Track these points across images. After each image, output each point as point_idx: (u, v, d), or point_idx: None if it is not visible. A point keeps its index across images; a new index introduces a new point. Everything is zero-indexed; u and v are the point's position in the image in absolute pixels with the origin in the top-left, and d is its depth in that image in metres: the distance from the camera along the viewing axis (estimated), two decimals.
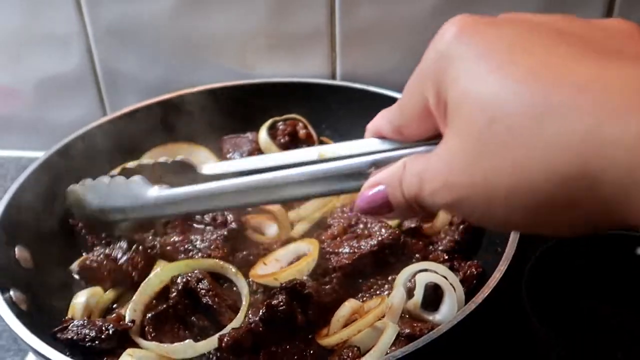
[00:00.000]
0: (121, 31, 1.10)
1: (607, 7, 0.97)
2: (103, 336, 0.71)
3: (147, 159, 0.77)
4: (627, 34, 0.41)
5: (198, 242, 0.85)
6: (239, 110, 1.05)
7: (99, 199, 0.79)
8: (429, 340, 0.60)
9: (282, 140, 1.03)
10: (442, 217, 0.90)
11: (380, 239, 0.83)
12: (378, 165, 0.53)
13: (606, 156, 0.34)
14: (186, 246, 0.86)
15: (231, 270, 0.80)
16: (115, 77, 1.15)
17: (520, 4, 0.99)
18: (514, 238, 0.73)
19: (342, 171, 0.56)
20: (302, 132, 1.04)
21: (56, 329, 0.73)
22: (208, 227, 0.88)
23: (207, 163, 0.70)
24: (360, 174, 0.54)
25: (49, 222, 0.89)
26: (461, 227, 0.86)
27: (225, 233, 0.86)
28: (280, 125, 1.05)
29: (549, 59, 0.38)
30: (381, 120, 0.54)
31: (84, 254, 0.88)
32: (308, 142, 1.05)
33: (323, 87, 1.05)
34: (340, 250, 0.84)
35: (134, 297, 0.77)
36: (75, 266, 0.84)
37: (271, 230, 0.90)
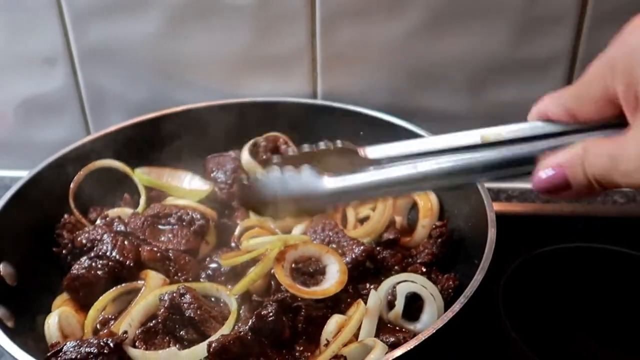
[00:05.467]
0: (106, 52, 1.11)
1: (575, 33, 1.02)
2: (106, 350, 0.71)
3: (307, 147, 0.74)
4: None
5: (170, 240, 0.91)
6: (223, 128, 1.07)
7: (272, 190, 0.74)
8: (410, 348, 0.62)
9: (264, 157, 1.03)
10: (421, 231, 0.92)
11: (353, 256, 0.85)
12: (549, 151, 0.55)
13: None
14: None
15: (225, 293, 0.82)
16: (99, 97, 1.16)
17: (492, 29, 1.02)
18: (489, 251, 0.75)
19: (510, 158, 0.56)
20: (283, 148, 1.05)
21: (49, 354, 0.71)
22: (175, 227, 0.93)
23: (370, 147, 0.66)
24: (526, 160, 0.56)
25: (34, 240, 0.89)
26: (439, 240, 0.89)
27: (196, 228, 0.92)
28: (262, 142, 1.06)
29: None
30: (550, 104, 0.56)
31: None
32: None
33: (304, 106, 1.07)
34: None
35: (132, 313, 0.79)
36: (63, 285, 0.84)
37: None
